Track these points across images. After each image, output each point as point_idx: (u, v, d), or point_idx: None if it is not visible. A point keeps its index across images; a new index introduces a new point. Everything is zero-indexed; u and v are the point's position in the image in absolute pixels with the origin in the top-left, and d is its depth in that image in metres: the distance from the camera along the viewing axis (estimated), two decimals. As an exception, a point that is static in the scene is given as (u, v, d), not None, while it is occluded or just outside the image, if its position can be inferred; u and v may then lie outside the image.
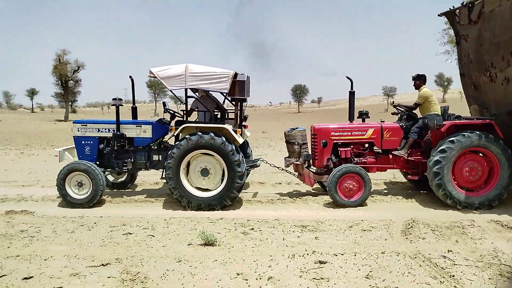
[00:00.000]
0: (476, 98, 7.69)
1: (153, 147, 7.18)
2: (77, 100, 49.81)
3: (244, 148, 7.35)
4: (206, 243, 4.71)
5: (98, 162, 6.99)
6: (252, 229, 5.33)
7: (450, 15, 7.85)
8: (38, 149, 15.91)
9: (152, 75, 6.58)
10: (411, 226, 5.30)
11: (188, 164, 6.52)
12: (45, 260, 4.28)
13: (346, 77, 7.22)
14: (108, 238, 5.02)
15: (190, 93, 6.93)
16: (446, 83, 79.83)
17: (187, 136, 6.30)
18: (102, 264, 4.14)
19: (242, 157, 6.39)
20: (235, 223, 5.58)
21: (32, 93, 66.61)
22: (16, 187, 8.22)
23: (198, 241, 4.81)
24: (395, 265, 4.07)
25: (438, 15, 8.20)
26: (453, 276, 3.77)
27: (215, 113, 7.20)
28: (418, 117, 7.22)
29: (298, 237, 5.00)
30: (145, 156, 7.02)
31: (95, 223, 5.66)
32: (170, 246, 4.74)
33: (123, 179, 7.99)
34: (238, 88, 6.52)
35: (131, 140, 7.05)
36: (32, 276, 3.86)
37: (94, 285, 3.70)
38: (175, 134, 6.71)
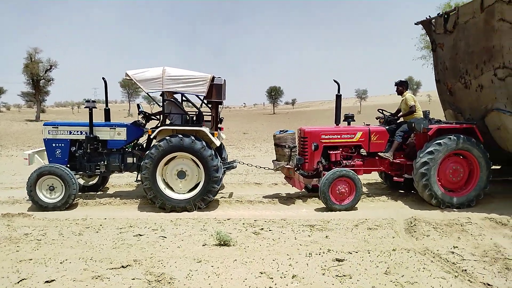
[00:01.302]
0: (451, 103, 8.13)
1: (127, 149, 7.07)
2: (46, 100, 48.12)
3: (220, 150, 7.38)
4: (221, 244, 4.75)
5: (69, 165, 6.83)
6: (262, 229, 5.41)
7: (426, 24, 8.24)
8: (15, 150, 15.31)
9: (128, 78, 6.52)
10: (414, 224, 5.53)
11: (165, 165, 6.48)
12: (61, 263, 4.20)
13: (334, 80, 7.32)
14: (119, 240, 4.96)
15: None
16: (415, 87, 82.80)
17: (167, 138, 6.29)
18: (122, 266, 4.11)
19: (220, 162, 6.45)
20: (243, 224, 5.65)
21: (-1, 91, 63.57)
22: (4, 190, 7.93)
23: (212, 242, 4.85)
24: (409, 261, 4.26)
25: (415, 24, 8.57)
26: (465, 270, 4.00)
27: (191, 115, 7.15)
28: (398, 121, 7.52)
29: (309, 236, 5.12)
30: (119, 158, 6.92)
31: (101, 225, 5.57)
32: (185, 247, 4.75)
33: (94, 182, 7.84)
34: (215, 91, 6.58)
35: (105, 143, 6.94)
36: (54, 279, 3.79)
37: (120, 287, 3.68)
38: (151, 136, 6.65)
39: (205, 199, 6.39)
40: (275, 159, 7.36)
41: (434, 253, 4.50)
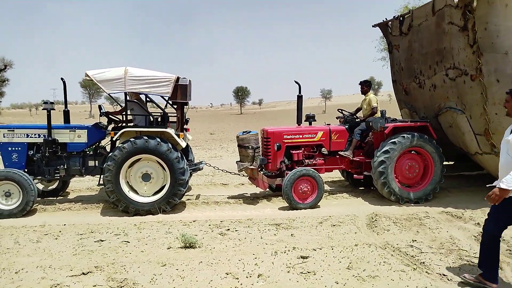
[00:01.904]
0: (406, 102, 8.51)
1: (88, 152, 6.86)
2: (1, 101, 45.64)
3: (186, 151, 7.32)
4: (186, 246, 4.70)
5: (26, 170, 6.51)
6: (228, 229, 5.40)
7: (383, 26, 8.58)
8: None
9: (88, 78, 6.31)
10: (375, 220, 5.72)
11: (129, 168, 6.32)
12: (16, 273, 4.00)
13: (295, 81, 7.43)
14: (79, 246, 4.79)
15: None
16: (376, 87, 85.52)
17: (132, 139, 6.14)
18: (83, 273, 3.97)
19: (187, 165, 6.37)
20: (209, 225, 5.61)
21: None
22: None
23: (178, 244, 4.79)
24: (370, 256, 4.40)
25: (373, 26, 8.89)
26: (423, 262, 4.18)
27: (155, 116, 7.00)
28: (357, 120, 7.77)
29: (275, 235, 5.17)
30: (79, 162, 6.67)
31: (60, 231, 5.36)
32: (149, 251, 4.66)
33: (54, 186, 7.52)
34: (180, 92, 6.50)
35: (64, 146, 6.67)
36: (8, 291, 3.60)
37: (81, 295, 3.56)
38: (114, 138, 6.47)
39: (171, 202, 6.29)
40: (239, 160, 7.35)
41: (394, 247, 4.67)
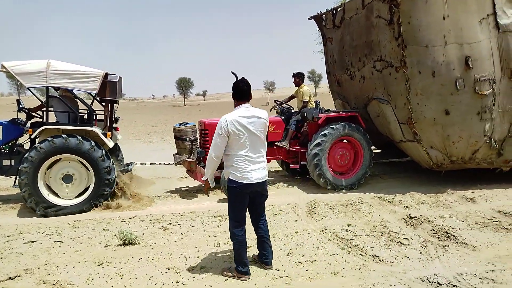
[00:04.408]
0: (339, 93, 8.95)
1: (3, 150, 6.34)
2: None
3: (115, 152, 7.07)
4: (125, 243, 4.54)
5: None
6: (170, 223, 5.31)
7: (318, 19, 8.89)
8: None
9: (4, 70, 5.81)
10: (314, 207, 5.94)
11: (48, 169, 5.92)
12: None
13: (231, 72, 7.49)
14: (6, 249, 4.44)
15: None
16: (317, 79, 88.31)
17: (50, 138, 5.74)
18: (10, 278, 3.70)
19: (113, 163, 6.11)
20: (150, 220, 5.48)
21: None
22: None
23: (116, 242, 4.62)
24: (309, 241, 4.58)
25: (308, 18, 9.19)
26: (357, 245, 4.43)
27: (81, 114, 6.68)
28: (293, 110, 8.03)
29: (218, 226, 5.18)
30: None
31: (-18, 235, 4.93)
32: (85, 250, 4.45)
33: None
34: (109, 89, 6.24)
35: None
36: None
37: (7, 302, 3.32)
38: (32, 136, 6.03)
39: (95, 203, 5.97)
40: (176, 153, 7.21)
41: (331, 232, 4.89)
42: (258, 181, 3.62)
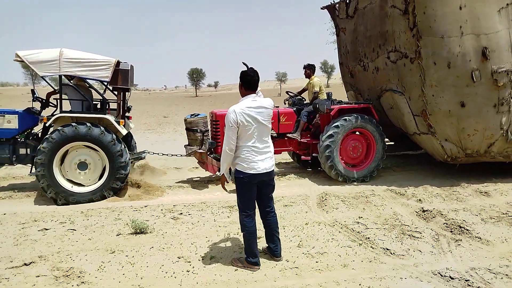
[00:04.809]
0: (352, 85, 8.82)
1: (19, 139, 6.41)
2: None
3: (128, 140, 7.09)
4: (136, 232, 4.60)
5: None
6: (181, 213, 5.35)
7: (331, 9, 8.74)
8: None
9: (19, 59, 5.89)
10: (325, 199, 5.91)
11: (63, 157, 6.01)
12: None
13: (242, 63, 7.44)
14: (21, 236, 4.53)
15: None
16: (330, 70, 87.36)
17: (60, 128, 5.80)
18: (25, 264, 3.78)
19: (125, 146, 6.16)
20: (161, 210, 5.52)
21: None
22: None
23: (128, 230, 4.67)
24: (320, 233, 4.56)
25: (321, 8, 9.05)
26: (368, 238, 4.40)
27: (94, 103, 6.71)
28: (305, 102, 7.95)
29: (228, 217, 5.19)
30: (9, 149, 6.23)
31: (-1, 222, 5.04)
32: (97, 238, 4.51)
33: None
34: (121, 77, 6.27)
35: None
36: None
37: (22, 287, 3.38)
38: (47, 125, 6.10)
39: (114, 187, 6.07)
40: (187, 144, 7.23)
41: (342, 224, 4.86)
42: (265, 171, 3.60)
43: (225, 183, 3.77)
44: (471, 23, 5.92)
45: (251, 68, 3.71)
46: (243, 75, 3.63)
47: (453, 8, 5.89)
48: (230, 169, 3.75)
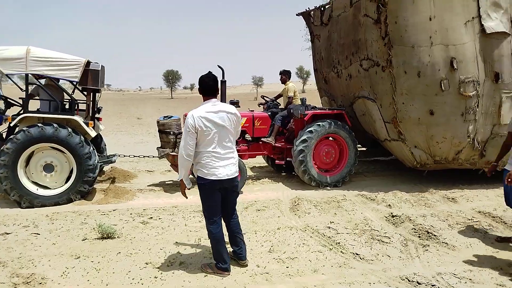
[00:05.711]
0: (326, 91, 8.97)
1: None
2: None
3: (97, 142, 6.92)
4: (103, 237, 4.46)
5: None
6: (151, 218, 5.23)
7: (306, 15, 8.87)
8: None
9: None
10: (298, 204, 5.92)
11: (29, 159, 5.78)
12: None
13: (218, 66, 7.42)
14: (-21, 242, 4.31)
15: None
16: (305, 76, 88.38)
17: (25, 128, 5.59)
18: (-19, 271, 3.58)
19: (93, 148, 5.99)
20: (130, 214, 5.38)
21: None
22: None
23: (94, 235, 4.52)
24: (291, 238, 4.56)
25: (296, 15, 9.18)
26: (339, 243, 4.43)
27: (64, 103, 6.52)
28: (279, 107, 8.00)
29: (200, 221, 5.11)
30: None
31: (-45, 226, 4.77)
32: (62, 243, 4.34)
33: None
34: (91, 78, 6.11)
35: None
36: None
37: (-23, 296, 3.20)
38: (11, 125, 5.87)
39: (81, 191, 5.87)
40: (159, 146, 7.10)
41: (313, 229, 4.88)
42: (227, 177, 3.53)
43: (185, 189, 3.70)
44: (440, 34, 6.10)
45: (209, 72, 3.65)
46: (199, 80, 3.58)
47: (423, 19, 6.07)
48: (193, 174, 3.66)
